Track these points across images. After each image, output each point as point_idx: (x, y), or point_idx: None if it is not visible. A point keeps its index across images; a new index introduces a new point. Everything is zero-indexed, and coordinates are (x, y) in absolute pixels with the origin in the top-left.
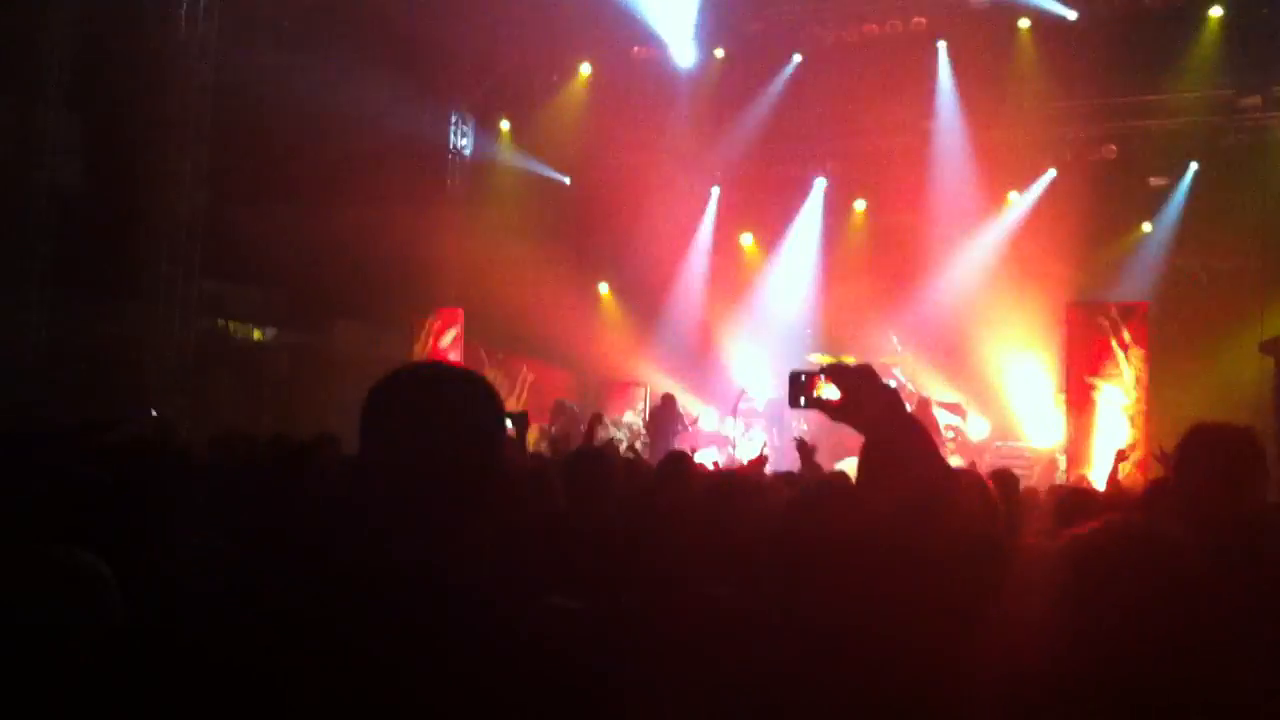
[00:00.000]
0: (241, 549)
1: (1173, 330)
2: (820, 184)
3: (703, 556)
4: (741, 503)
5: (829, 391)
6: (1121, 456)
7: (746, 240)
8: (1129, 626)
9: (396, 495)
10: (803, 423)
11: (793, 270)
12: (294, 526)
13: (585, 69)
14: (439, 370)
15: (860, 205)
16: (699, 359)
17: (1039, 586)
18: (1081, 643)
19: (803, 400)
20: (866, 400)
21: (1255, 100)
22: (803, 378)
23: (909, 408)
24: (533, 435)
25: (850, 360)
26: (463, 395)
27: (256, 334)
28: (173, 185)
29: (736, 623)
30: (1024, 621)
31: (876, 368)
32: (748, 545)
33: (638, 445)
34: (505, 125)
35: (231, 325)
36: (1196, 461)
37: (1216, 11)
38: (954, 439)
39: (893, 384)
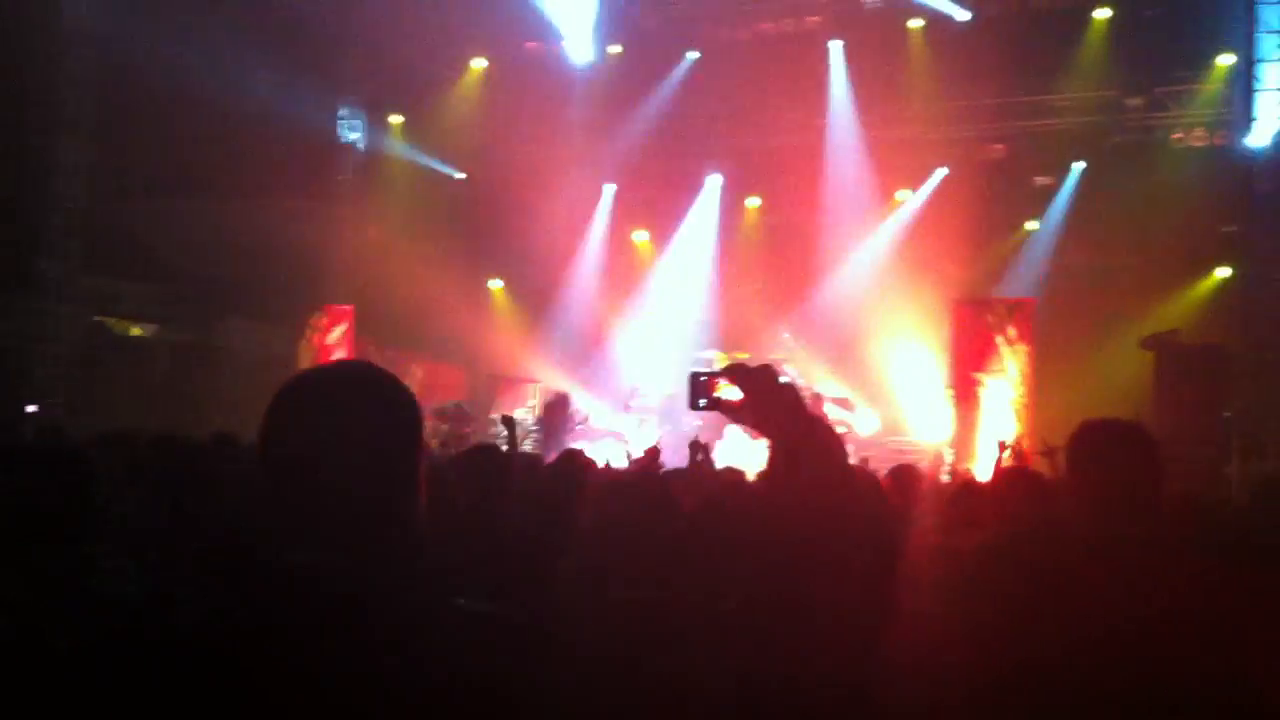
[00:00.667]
0: (149, 556)
1: (1057, 326)
2: (714, 181)
3: (610, 556)
4: (647, 501)
5: (729, 392)
6: (1003, 447)
7: (640, 237)
8: (1033, 621)
9: (312, 501)
10: (695, 419)
11: (686, 267)
12: (202, 532)
13: (479, 63)
14: (354, 369)
15: (754, 202)
16: (592, 356)
17: (947, 586)
18: (991, 638)
19: (702, 401)
20: (767, 401)
21: (1139, 101)
22: (703, 378)
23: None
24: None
25: (743, 357)
26: (382, 396)
27: (137, 330)
28: (54, 178)
29: (648, 622)
30: (931, 617)
31: (768, 364)
32: (656, 545)
33: (527, 443)
34: (397, 119)
35: (112, 322)
36: (1090, 457)
37: (1103, 14)
38: (844, 434)
39: (783, 380)
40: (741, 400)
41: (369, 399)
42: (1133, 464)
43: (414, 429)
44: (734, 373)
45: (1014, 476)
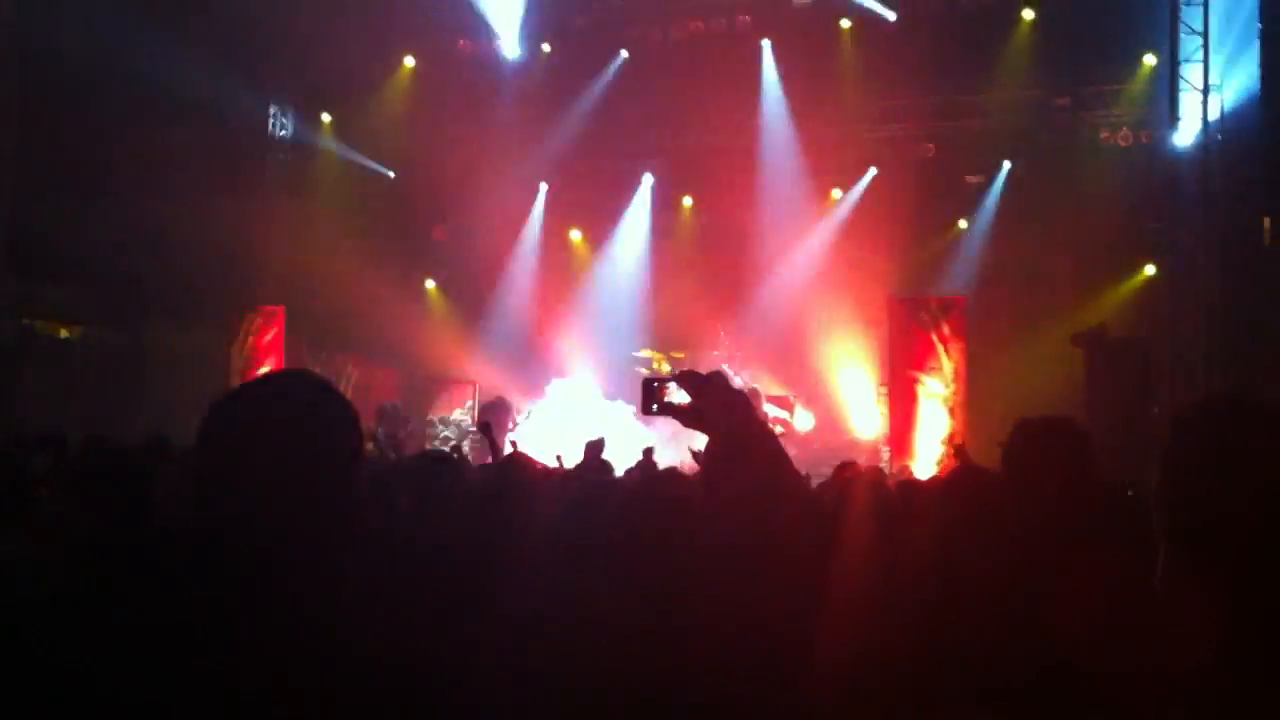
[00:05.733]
0: (79, 557)
1: (989, 324)
2: (648, 180)
3: (557, 560)
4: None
5: (679, 397)
6: (949, 444)
7: (575, 236)
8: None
9: (246, 513)
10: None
11: (622, 266)
12: (131, 536)
13: (409, 61)
14: (293, 382)
15: (688, 201)
16: (528, 355)
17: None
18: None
19: (654, 406)
20: (715, 406)
21: (1065, 101)
22: (655, 384)
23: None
24: None
25: (679, 356)
26: (319, 414)
27: (64, 332)
28: None
29: (598, 626)
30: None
31: (705, 362)
32: (595, 547)
33: (465, 445)
34: (326, 118)
35: (38, 325)
36: (1024, 455)
37: (1029, 14)
38: (783, 432)
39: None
40: (690, 404)
41: (309, 414)
42: (1065, 460)
43: (354, 444)
44: (684, 378)
45: (957, 474)
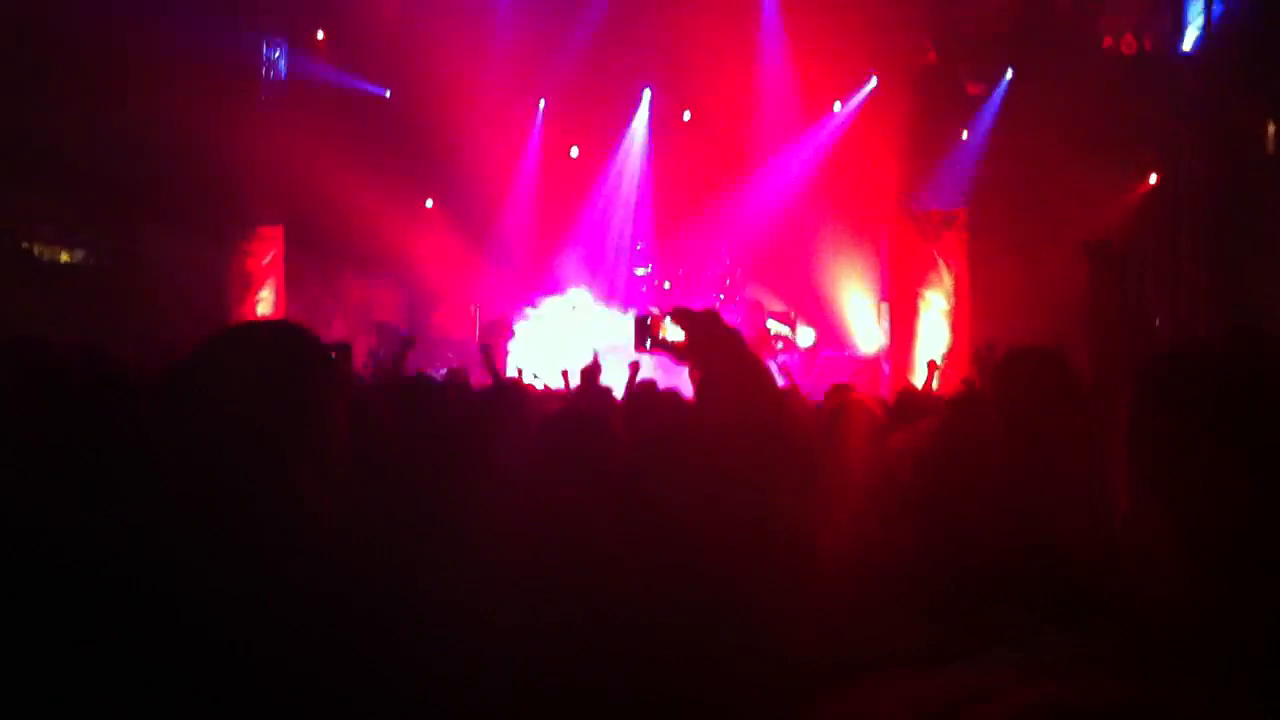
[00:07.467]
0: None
1: (991, 236)
2: (647, 95)
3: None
4: (585, 433)
5: (673, 333)
6: (933, 367)
7: (575, 152)
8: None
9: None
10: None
11: (622, 182)
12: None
13: None
14: (282, 329)
15: (687, 116)
16: (529, 274)
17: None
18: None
19: (648, 342)
20: (708, 342)
21: (1067, 5)
22: (648, 320)
23: (737, 330)
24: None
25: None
26: (284, 363)
27: (65, 256)
28: None
29: (587, 555)
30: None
31: (705, 279)
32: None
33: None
34: (320, 35)
35: (36, 247)
36: (1013, 390)
37: None
38: (784, 348)
39: (722, 296)
40: (684, 341)
41: (294, 357)
42: (1049, 395)
43: (335, 389)
44: (677, 315)
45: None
